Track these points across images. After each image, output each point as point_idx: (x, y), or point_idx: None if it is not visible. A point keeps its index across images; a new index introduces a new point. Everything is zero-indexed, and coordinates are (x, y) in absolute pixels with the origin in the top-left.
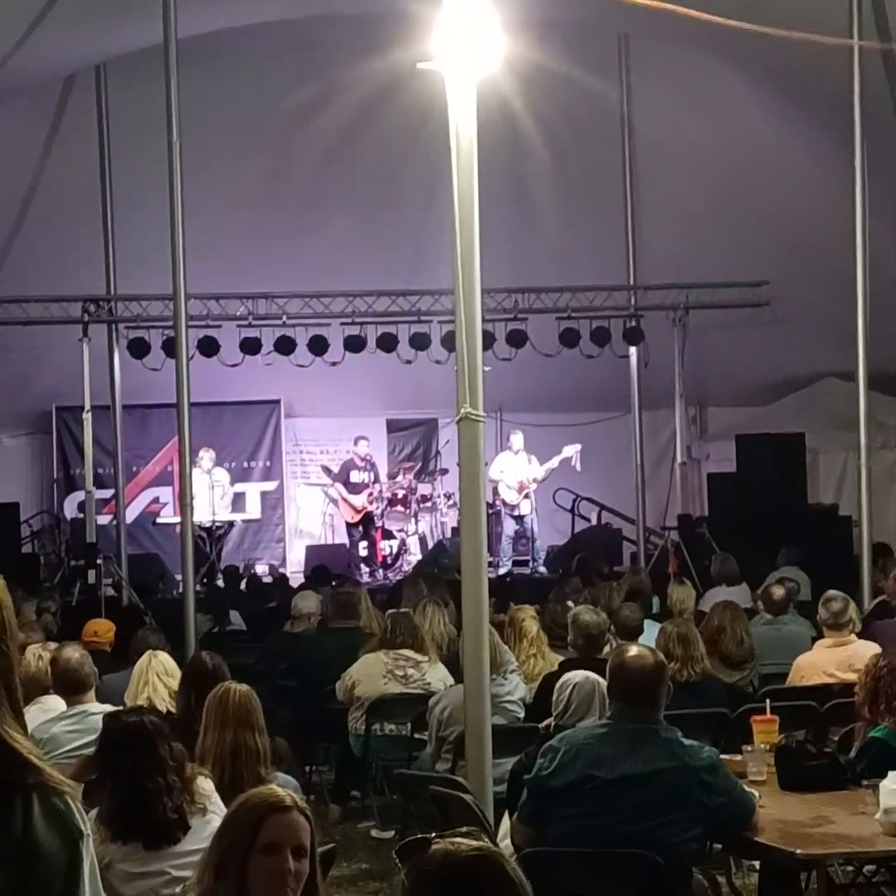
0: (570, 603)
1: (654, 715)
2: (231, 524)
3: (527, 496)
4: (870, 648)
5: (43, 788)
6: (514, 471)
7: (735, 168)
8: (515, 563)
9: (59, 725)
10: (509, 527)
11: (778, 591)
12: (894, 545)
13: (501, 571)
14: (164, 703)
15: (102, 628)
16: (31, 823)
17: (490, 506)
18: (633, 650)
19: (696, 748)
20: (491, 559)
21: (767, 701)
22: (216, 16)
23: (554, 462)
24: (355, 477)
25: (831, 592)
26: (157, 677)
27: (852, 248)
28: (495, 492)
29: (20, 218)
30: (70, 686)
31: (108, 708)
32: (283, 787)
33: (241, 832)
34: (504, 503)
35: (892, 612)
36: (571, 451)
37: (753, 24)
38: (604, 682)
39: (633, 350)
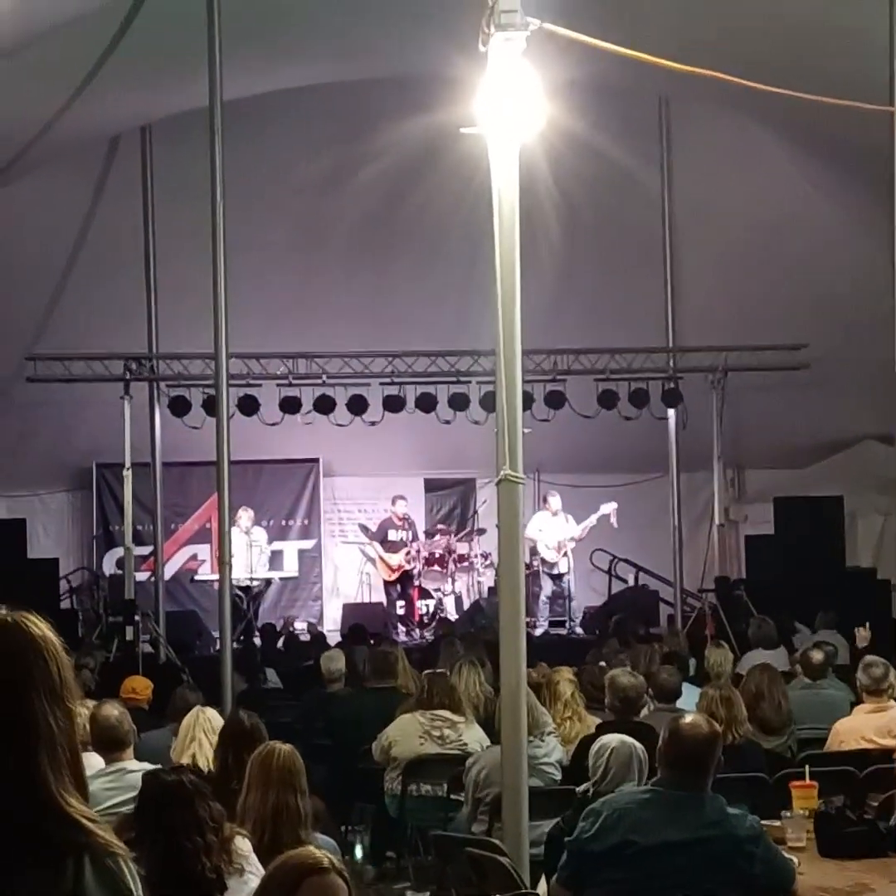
0: (602, 663)
1: (702, 783)
2: (269, 582)
3: (565, 555)
4: None
5: (95, 849)
6: (552, 530)
7: (774, 229)
8: (552, 624)
9: (96, 783)
10: (547, 587)
11: (817, 656)
12: None
13: (538, 632)
14: (208, 761)
15: (140, 685)
16: (83, 884)
17: (527, 566)
18: (689, 718)
19: (740, 817)
20: (528, 619)
21: (806, 766)
22: (261, 79)
23: (591, 520)
24: (392, 536)
25: (871, 658)
26: (203, 734)
27: (892, 311)
28: (533, 551)
29: (65, 276)
30: (108, 743)
31: (147, 766)
32: (321, 848)
33: (279, 893)
34: (543, 562)
35: None
36: (609, 508)
37: (792, 89)
38: (640, 746)
39: (671, 412)
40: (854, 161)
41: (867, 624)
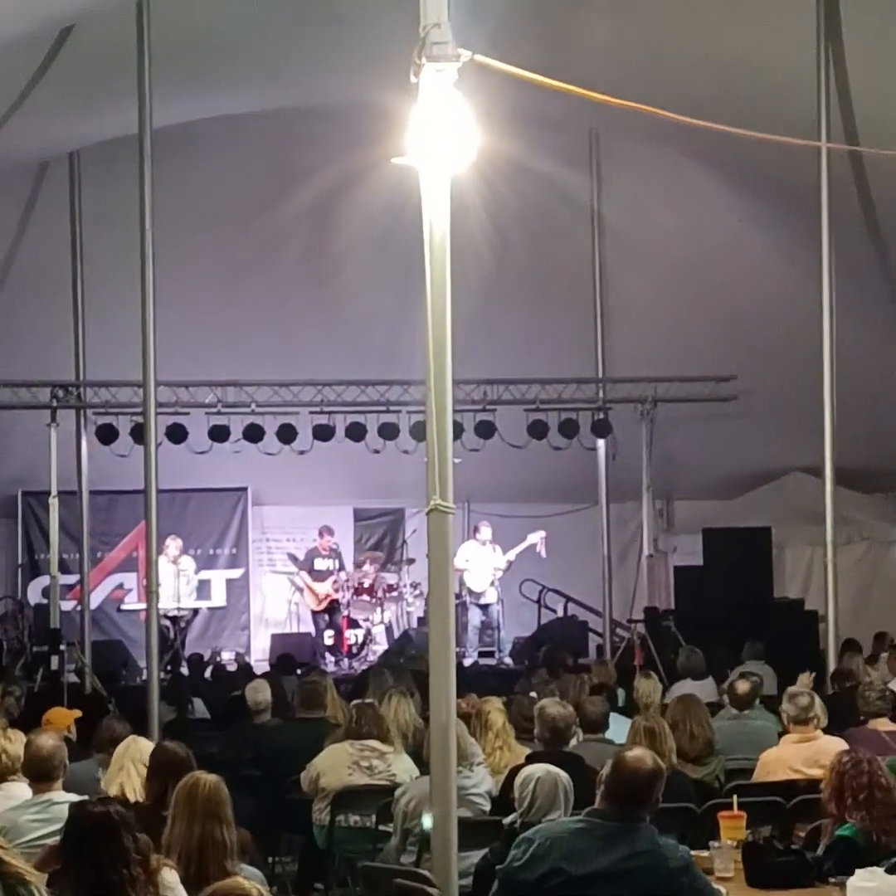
0: (532, 694)
1: (639, 816)
2: (196, 611)
3: (492, 585)
4: (835, 744)
5: (7, 878)
6: (479, 560)
7: (704, 262)
8: (481, 654)
9: (23, 815)
10: (475, 617)
11: (742, 686)
12: (860, 640)
13: (467, 662)
14: (136, 792)
15: (61, 715)
16: None
17: (457, 596)
18: (636, 752)
19: (671, 847)
20: (457, 650)
21: (734, 797)
22: (191, 106)
23: (518, 549)
24: (319, 565)
25: (796, 688)
26: (132, 764)
27: (820, 344)
28: (461, 581)
29: None
30: (38, 774)
31: (73, 797)
32: (248, 880)
33: None
34: (470, 592)
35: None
36: (536, 537)
37: (722, 123)
38: (565, 776)
39: (600, 442)
40: (783, 195)
41: (809, 672)
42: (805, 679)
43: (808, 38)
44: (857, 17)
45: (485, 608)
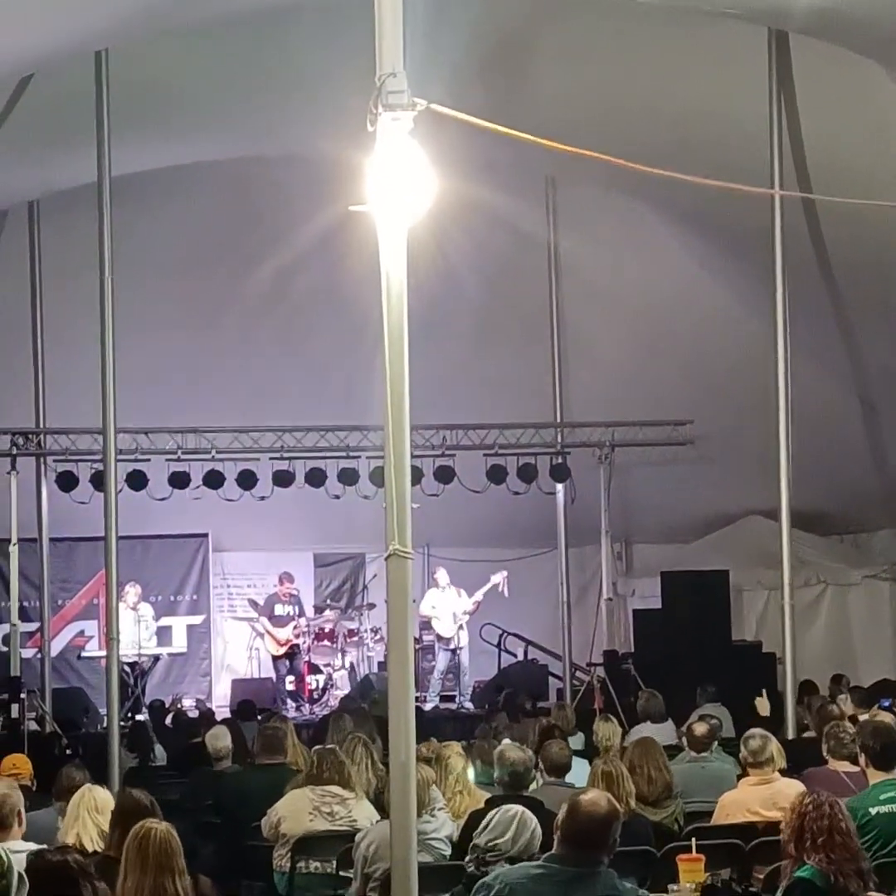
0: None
1: (597, 860)
2: (156, 658)
3: (460, 628)
4: (793, 786)
5: None
6: (445, 605)
7: (660, 308)
8: (442, 699)
9: None
10: (443, 661)
11: (700, 729)
12: (817, 682)
13: (428, 707)
14: (92, 842)
15: (20, 763)
16: None
17: (417, 640)
18: (590, 795)
19: (631, 891)
20: (418, 694)
21: (693, 839)
22: (150, 155)
23: (483, 591)
24: (279, 610)
25: (751, 731)
26: (87, 813)
27: (775, 388)
28: (429, 626)
29: None
30: None
31: (32, 846)
32: None
33: None
34: (439, 637)
35: (817, 748)
36: (499, 577)
37: (676, 171)
38: (529, 813)
39: (559, 487)
40: (738, 243)
41: (764, 691)
42: (763, 701)
43: (761, 87)
44: (808, 66)
45: (452, 652)
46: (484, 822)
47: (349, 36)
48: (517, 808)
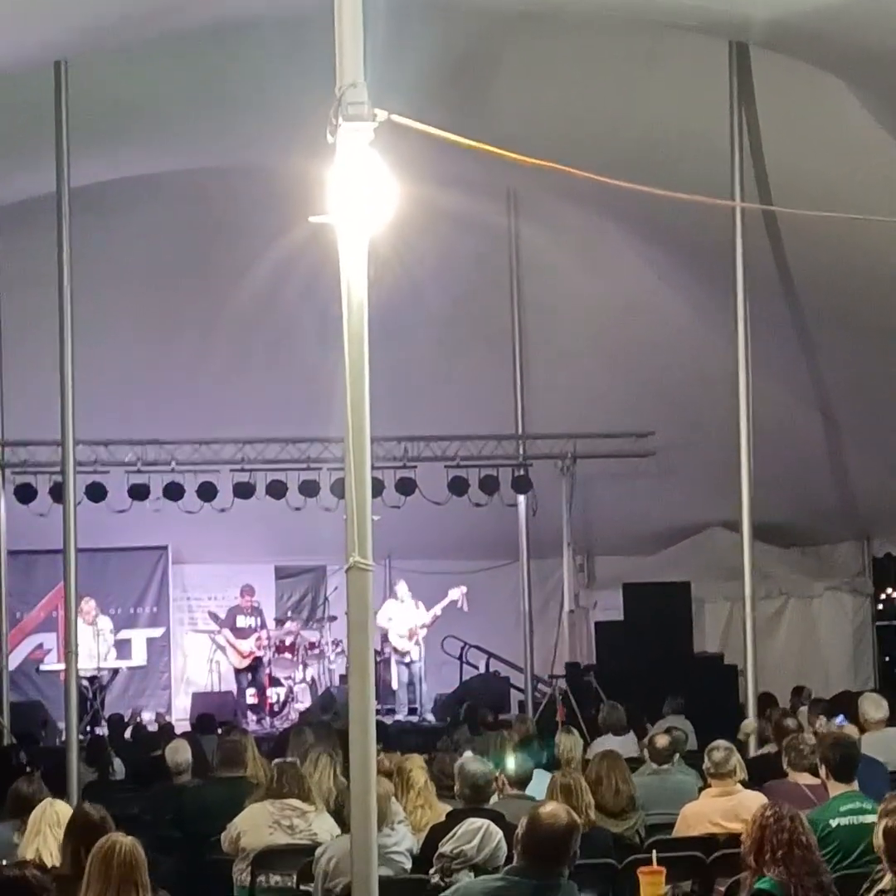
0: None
1: (558, 872)
2: (116, 671)
3: (416, 643)
4: (755, 798)
5: None
6: (402, 618)
7: (621, 320)
8: (407, 712)
9: None
10: (402, 674)
11: (662, 741)
12: (779, 694)
13: (389, 720)
14: (52, 856)
15: None
16: None
17: (378, 653)
18: (548, 807)
19: None
20: (380, 707)
21: (654, 852)
22: (110, 166)
23: (441, 605)
24: (241, 622)
25: (715, 743)
26: (48, 828)
27: (736, 400)
28: (385, 639)
29: None
30: None
31: None
32: None
33: None
34: (395, 651)
35: (777, 760)
36: (457, 593)
37: (637, 183)
38: (495, 827)
39: (521, 498)
40: (700, 256)
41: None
42: (749, 725)
43: (722, 101)
44: (769, 80)
45: (408, 666)
46: (451, 833)
47: (308, 49)
48: (483, 821)
